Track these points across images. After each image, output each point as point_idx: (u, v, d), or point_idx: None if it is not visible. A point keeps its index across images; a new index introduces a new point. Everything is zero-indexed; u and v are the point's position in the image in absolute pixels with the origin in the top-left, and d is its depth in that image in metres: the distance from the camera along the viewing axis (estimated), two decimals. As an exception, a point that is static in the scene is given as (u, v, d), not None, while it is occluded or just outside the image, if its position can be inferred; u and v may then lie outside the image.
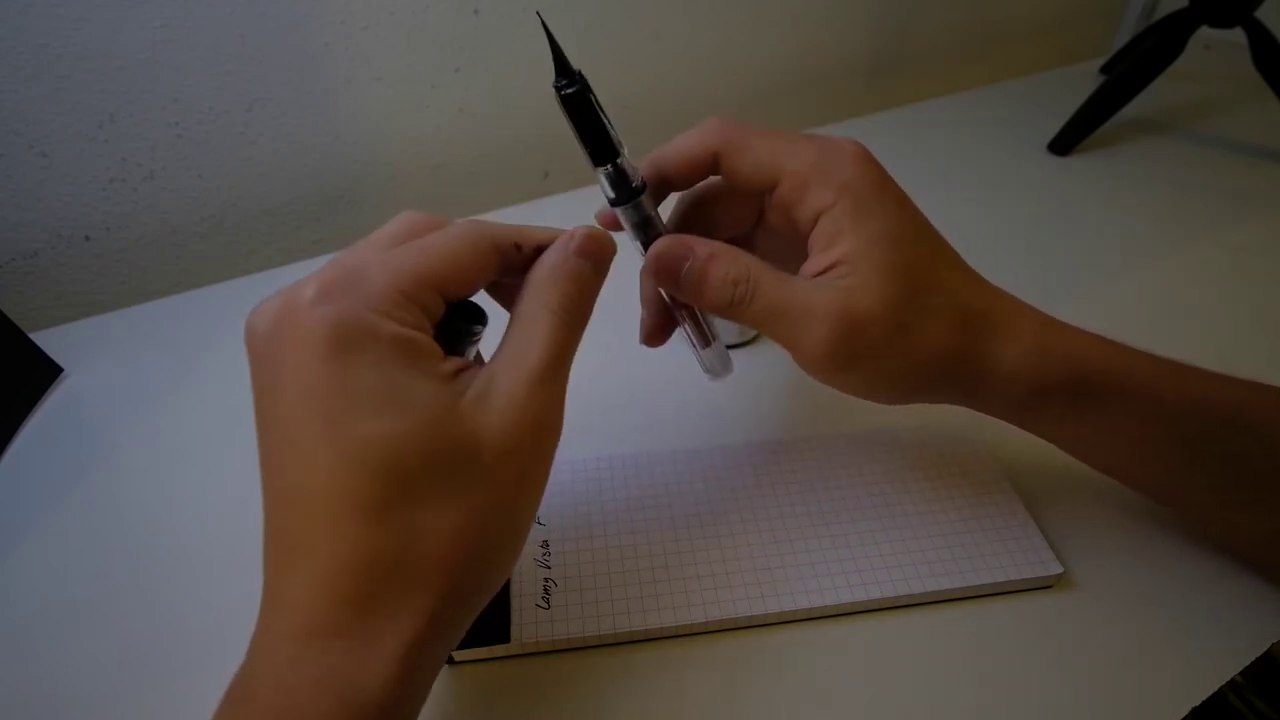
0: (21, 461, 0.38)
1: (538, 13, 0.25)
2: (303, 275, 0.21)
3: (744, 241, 0.31)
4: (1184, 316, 0.48)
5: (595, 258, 0.25)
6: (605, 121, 0.26)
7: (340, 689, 0.19)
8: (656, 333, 0.31)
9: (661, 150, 0.28)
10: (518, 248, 0.24)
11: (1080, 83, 0.76)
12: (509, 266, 0.24)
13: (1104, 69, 0.81)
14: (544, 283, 0.24)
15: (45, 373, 0.43)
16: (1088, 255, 0.53)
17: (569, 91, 0.25)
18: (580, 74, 0.25)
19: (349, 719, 0.19)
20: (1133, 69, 0.64)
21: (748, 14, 0.71)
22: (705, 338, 0.31)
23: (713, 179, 0.29)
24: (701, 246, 0.27)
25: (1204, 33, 0.62)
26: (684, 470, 0.35)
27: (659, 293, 0.31)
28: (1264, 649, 0.29)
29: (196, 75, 0.50)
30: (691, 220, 0.31)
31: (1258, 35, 0.62)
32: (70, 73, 0.46)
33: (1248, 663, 0.29)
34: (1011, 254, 0.53)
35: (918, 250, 0.27)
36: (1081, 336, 0.29)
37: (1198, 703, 0.28)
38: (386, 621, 0.19)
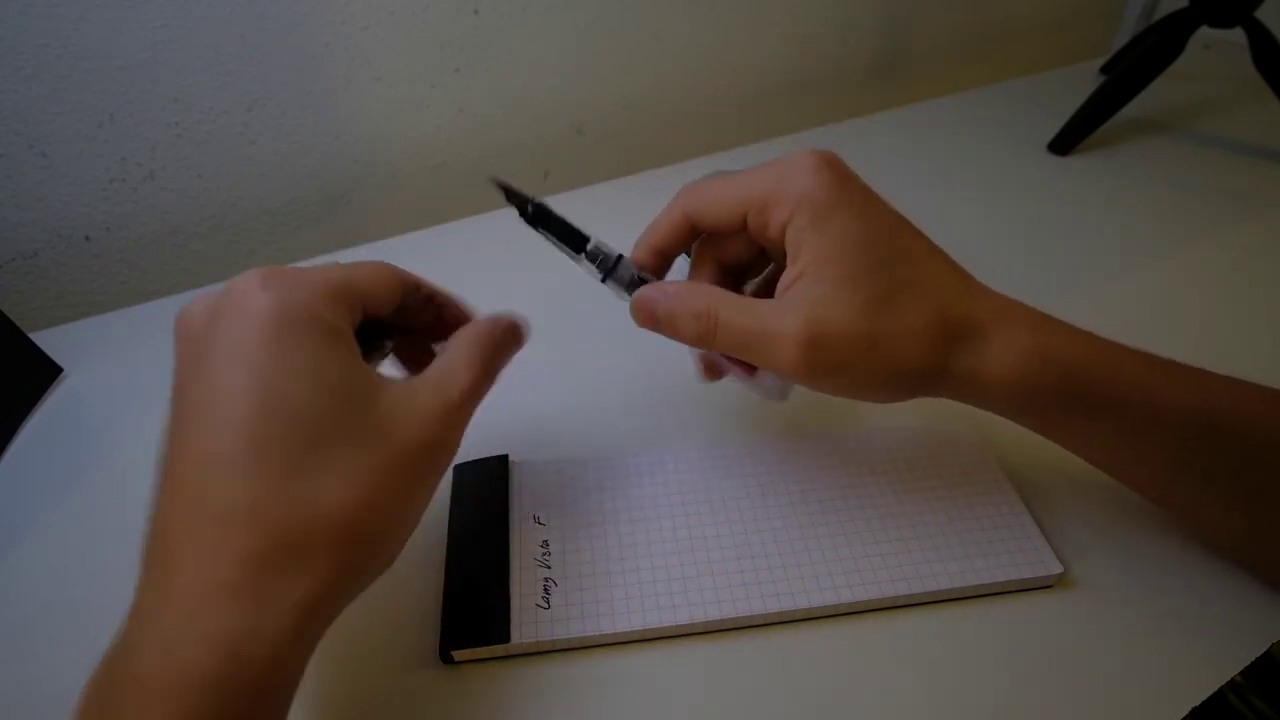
0: (21, 461, 0.38)
1: (495, 179, 0.29)
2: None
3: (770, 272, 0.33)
4: (1184, 316, 0.48)
5: (515, 339, 0.29)
6: (568, 222, 0.30)
7: (231, 647, 0.19)
8: (710, 369, 0.33)
9: (646, 233, 0.31)
10: (417, 287, 0.28)
11: (1080, 83, 0.76)
12: (408, 300, 0.28)
13: (1104, 69, 0.81)
14: (479, 337, 0.27)
15: (45, 373, 0.43)
16: (1088, 255, 0.53)
17: (532, 211, 0.29)
18: (532, 199, 0.29)
19: (238, 679, 0.19)
20: (1133, 69, 0.64)
21: (748, 14, 0.71)
22: (749, 366, 0.31)
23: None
24: (670, 287, 0.29)
25: (1204, 33, 0.62)
26: (684, 471, 0.35)
27: None
28: (1264, 649, 0.29)
29: (196, 75, 0.50)
30: (706, 262, 0.31)
31: (1258, 35, 0.62)
32: (70, 73, 0.46)
33: (1248, 663, 0.29)
34: (1011, 254, 0.53)
35: (887, 250, 0.27)
36: (1076, 338, 0.28)
37: (1198, 703, 0.28)
38: (283, 584, 0.20)
